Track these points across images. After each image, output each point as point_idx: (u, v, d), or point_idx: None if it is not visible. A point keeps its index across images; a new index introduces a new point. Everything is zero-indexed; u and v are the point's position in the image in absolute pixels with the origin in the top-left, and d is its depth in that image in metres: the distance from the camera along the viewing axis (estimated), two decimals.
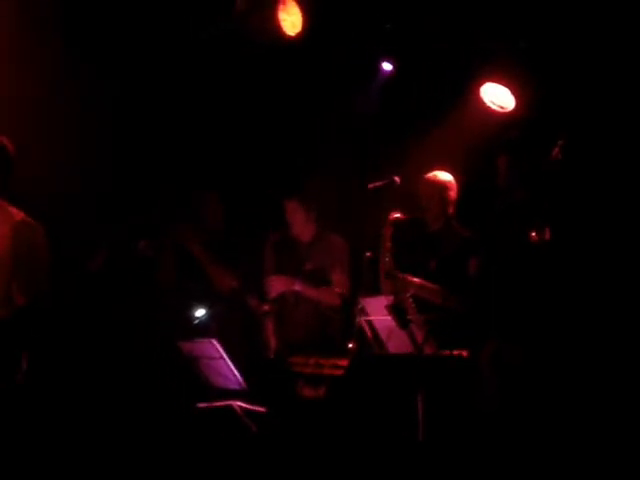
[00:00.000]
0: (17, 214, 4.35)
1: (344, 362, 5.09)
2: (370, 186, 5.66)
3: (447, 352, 5.33)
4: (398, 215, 5.65)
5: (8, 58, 5.91)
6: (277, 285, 6.16)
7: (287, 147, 6.95)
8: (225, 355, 5.64)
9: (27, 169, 4.66)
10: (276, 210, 6.30)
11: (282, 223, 6.30)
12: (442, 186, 5.89)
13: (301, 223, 6.25)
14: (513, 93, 6.21)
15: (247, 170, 6.99)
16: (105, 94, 6.43)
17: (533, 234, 5.12)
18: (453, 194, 5.91)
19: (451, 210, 5.89)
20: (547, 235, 5.10)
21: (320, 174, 6.61)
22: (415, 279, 5.66)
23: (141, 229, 6.49)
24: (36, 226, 4.33)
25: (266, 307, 6.06)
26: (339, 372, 5.11)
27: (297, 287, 6.14)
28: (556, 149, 5.21)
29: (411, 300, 5.26)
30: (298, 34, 6.49)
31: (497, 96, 6.30)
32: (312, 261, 6.23)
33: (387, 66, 6.78)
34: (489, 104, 6.32)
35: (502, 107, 6.29)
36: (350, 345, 5.44)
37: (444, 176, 5.92)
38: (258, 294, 6.27)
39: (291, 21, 6.46)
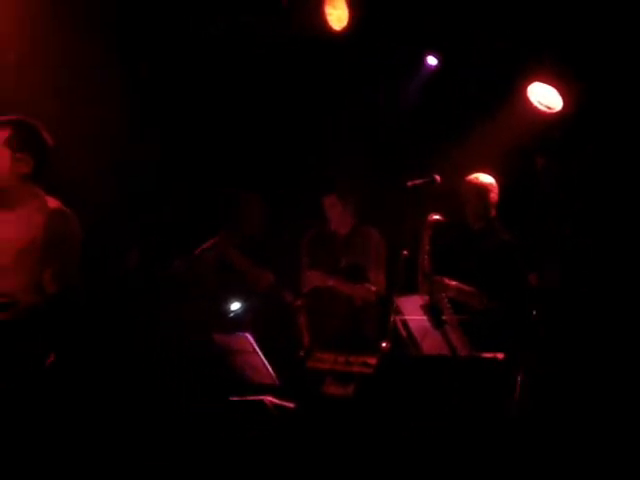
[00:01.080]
0: (52, 202, 4.33)
1: (374, 360, 5.02)
2: (410, 184, 5.60)
3: (482, 354, 5.24)
4: (437, 217, 5.60)
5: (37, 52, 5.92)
6: (312, 280, 6.13)
7: (327, 142, 6.87)
8: (258, 349, 5.62)
9: (63, 161, 4.64)
10: (314, 207, 6.26)
11: (320, 219, 6.26)
12: (483, 188, 5.83)
13: (339, 218, 6.23)
14: (560, 93, 6.11)
15: (283, 169, 6.93)
16: (138, 90, 6.40)
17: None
18: (494, 196, 5.85)
19: (492, 212, 5.83)
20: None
21: (361, 171, 6.55)
22: (452, 282, 5.59)
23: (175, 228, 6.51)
24: (70, 215, 4.30)
25: (299, 302, 6.03)
26: (369, 370, 5.05)
27: (331, 282, 6.09)
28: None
29: (446, 300, 5.21)
30: (344, 28, 6.44)
31: (544, 96, 6.21)
32: (349, 256, 6.19)
33: (432, 60, 6.71)
34: (536, 104, 6.23)
35: (549, 107, 6.20)
36: (383, 344, 5.38)
37: (485, 178, 5.86)
38: (294, 290, 6.24)
39: (337, 15, 6.41)
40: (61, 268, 4.18)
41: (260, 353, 5.62)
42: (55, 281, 4.16)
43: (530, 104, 6.23)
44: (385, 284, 6.06)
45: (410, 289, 5.53)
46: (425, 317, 5.19)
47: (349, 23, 6.43)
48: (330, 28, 6.44)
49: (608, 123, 5.78)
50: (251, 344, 5.64)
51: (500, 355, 5.31)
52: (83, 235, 4.35)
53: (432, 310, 5.16)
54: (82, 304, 4.36)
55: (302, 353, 5.60)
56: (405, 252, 5.50)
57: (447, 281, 5.62)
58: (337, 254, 6.21)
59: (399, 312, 5.35)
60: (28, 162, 4.30)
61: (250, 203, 6.55)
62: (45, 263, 4.18)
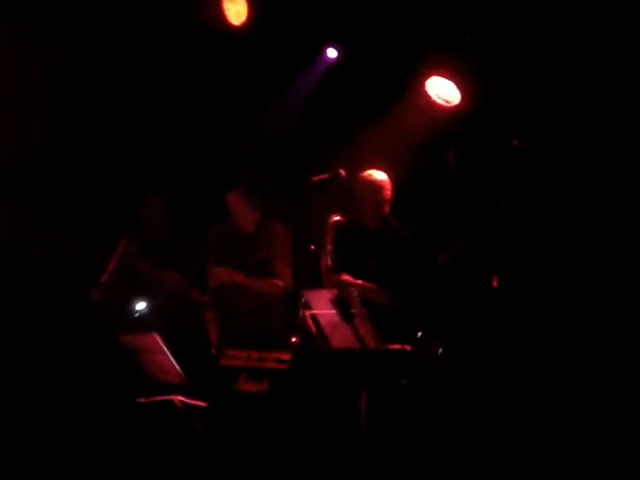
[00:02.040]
0: None
1: (287, 356, 5.02)
2: (315, 178, 5.61)
3: (390, 346, 5.30)
4: (338, 217, 5.60)
5: None
6: (218, 276, 6.09)
7: (228, 140, 6.83)
8: (166, 349, 5.55)
9: None
10: (218, 204, 6.22)
11: (225, 216, 6.22)
12: (377, 185, 5.83)
13: (244, 215, 6.19)
14: (458, 87, 6.20)
15: (187, 166, 6.86)
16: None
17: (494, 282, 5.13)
18: (388, 193, 5.85)
19: (387, 209, 5.84)
20: (494, 283, 5.11)
21: (264, 166, 6.54)
22: (357, 281, 5.62)
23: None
24: None
25: (206, 298, 5.98)
26: (282, 366, 5.05)
27: (238, 278, 6.06)
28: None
29: (355, 294, 5.23)
30: (243, 23, 6.41)
31: (443, 90, 6.28)
32: (255, 251, 6.16)
33: (332, 52, 6.72)
34: (435, 98, 6.30)
35: (447, 101, 6.28)
36: (293, 339, 5.39)
37: (378, 175, 5.85)
38: (201, 287, 6.19)
39: (236, 10, 6.37)
40: None
41: (168, 352, 5.55)
42: None
43: (429, 98, 6.29)
44: (292, 279, 6.06)
45: (318, 283, 5.55)
46: (334, 311, 5.19)
47: (248, 18, 6.40)
48: (229, 23, 6.39)
49: (512, 116, 5.89)
50: (158, 344, 5.56)
51: (408, 347, 5.37)
52: None
53: (341, 303, 5.16)
54: None
55: (214, 351, 5.55)
56: (312, 247, 5.53)
57: (351, 280, 5.64)
58: (243, 250, 6.17)
59: (308, 306, 5.35)
60: None
61: (153, 204, 6.47)
62: None
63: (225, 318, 6.08)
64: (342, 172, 5.63)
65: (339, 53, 6.73)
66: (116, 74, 6.66)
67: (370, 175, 5.87)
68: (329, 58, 6.77)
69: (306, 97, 6.87)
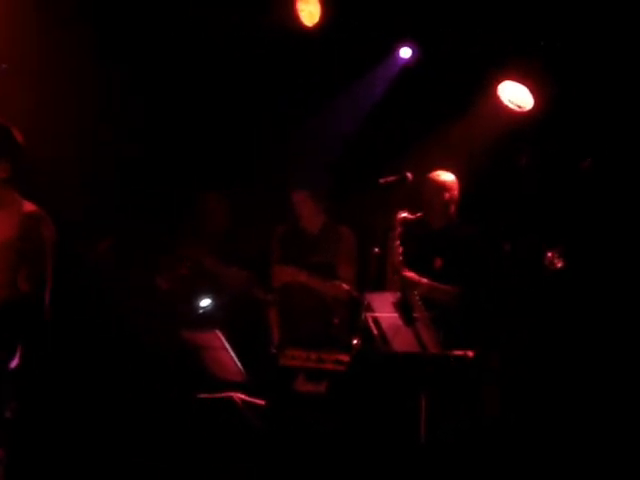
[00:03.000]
0: (27, 206, 4.36)
1: (346, 358, 5.00)
2: (381, 181, 5.60)
3: (453, 352, 5.24)
4: (405, 214, 5.59)
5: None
6: (282, 275, 6.08)
7: (300, 138, 6.84)
8: (228, 346, 5.59)
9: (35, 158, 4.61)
10: (284, 202, 6.22)
11: (290, 215, 6.22)
12: (443, 186, 5.83)
13: (310, 214, 6.17)
14: (532, 92, 6.12)
15: (253, 163, 6.88)
16: (115, 85, 6.35)
17: (549, 254, 5.03)
18: (455, 193, 5.85)
19: (453, 209, 5.83)
20: (560, 264, 5.00)
21: (331, 167, 6.53)
22: (422, 279, 5.59)
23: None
24: (44, 218, 4.34)
25: (270, 297, 5.98)
26: (341, 368, 5.03)
27: (302, 278, 6.05)
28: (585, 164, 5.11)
29: (418, 297, 5.20)
30: (316, 25, 6.42)
31: (515, 95, 6.21)
32: (320, 253, 6.13)
33: (406, 52, 6.68)
34: (507, 103, 6.24)
35: (520, 106, 6.20)
36: (354, 341, 5.37)
37: (446, 176, 5.86)
38: (265, 286, 6.20)
39: (309, 11, 6.38)
40: (33, 269, 4.21)
41: (230, 350, 5.59)
42: (28, 280, 4.20)
43: (501, 102, 6.23)
44: (355, 281, 6.04)
45: (381, 286, 5.52)
46: (396, 314, 5.16)
47: (321, 19, 6.40)
48: (302, 24, 6.41)
49: (581, 122, 5.79)
50: (221, 341, 5.61)
51: (470, 353, 5.31)
52: (56, 236, 4.32)
53: (403, 307, 5.13)
54: (54, 302, 4.31)
55: (274, 350, 5.56)
56: (376, 249, 5.51)
57: (417, 278, 5.62)
58: (307, 251, 6.15)
59: (370, 309, 5.33)
60: (5, 167, 4.32)
61: (211, 201, 6.52)
62: (20, 264, 4.21)
63: (287, 318, 6.07)
64: (409, 175, 5.60)
65: (413, 53, 6.69)
66: (185, 72, 6.69)
67: (438, 175, 5.87)
68: (402, 58, 6.74)
69: (377, 98, 6.83)
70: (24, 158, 4.40)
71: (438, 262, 5.72)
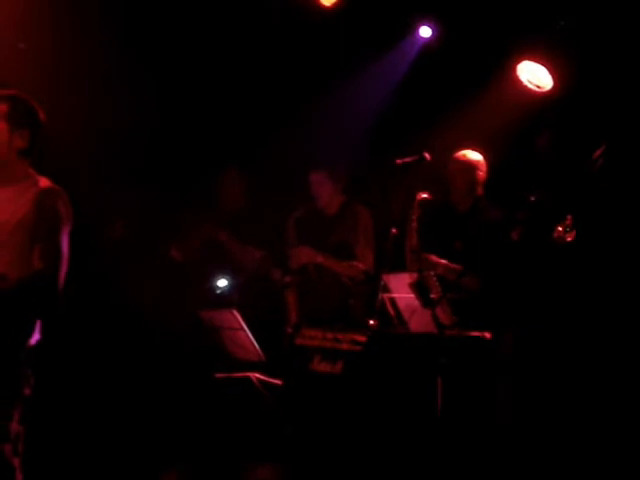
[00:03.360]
0: (43, 181, 4.33)
1: (363, 338, 5.00)
2: (398, 161, 5.56)
3: (470, 333, 5.23)
4: (425, 195, 5.55)
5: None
6: (300, 257, 6.07)
7: (313, 119, 6.81)
8: (245, 326, 5.61)
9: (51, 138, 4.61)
10: (302, 182, 6.21)
11: (307, 196, 6.21)
12: (471, 166, 5.80)
13: (328, 195, 6.14)
14: (551, 72, 6.07)
15: (271, 143, 6.86)
16: (126, 67, 6.34)
17: (559, 228, 4.98)
18: (482, 174, 5.82)
19: (480, 190, 5.80)
20: (570, 237, 4.96)
21: (349, 147, 6.50)
22: (441, 260, 5.58)
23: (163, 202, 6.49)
24: (60, 194, 4.30)
25: (287, 279, 5.99)
26: (357, 348, 5.03)
27: (319, 259, 6.05)
28: (598, 152, 5.06)
29: (435, 278, 5.19)
30: (334, 3, 6.39)
31: (534, 75, 6.16)
32: (337, 233, 6.12)
33: (425, 31, 6.63)
34: (526, 83, 6.19)
35: (539, 86, 6.16)
36: (371, 322, 5.37)
37: (473, 155, 5.83)
38: (282, 267, 6.21)
39: None
40: (48, 245, 4.18)
41: (247, 330, 5.61)
42: (42, 258, 4.16)
43: (520, 83, 6.18)
44: (373, 262, 6.03)
45: (399, 267, 5.51)
46: (413, 295, 5.16)
47: None
48: (320, 3, 6.38)
49: (605, 103, 5.74)
50: (238, 321, 5.63)
51: (487, 334, 5.30)
52: (73, 214, 4.31)
53: (420, 288, 5.12)
54: (70, 280, 4.30)
55: (290, 330, 5.57)
56: (394, 230, 5.49)
57: (435, 259, 5.61)
58: (325, 232, 6.14)
59: (387, 290, 5.34)
60: (25, 137, 4.31)
61: (227, 175, 6.52)
62: (34, 240, 4.18)
63: (305, 298, 6.07)
64: (427, 155, 5.56)
65: (433, 32, 6.63)
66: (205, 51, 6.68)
67: (465, 155, 5.84)
68: (422, 37, 6.68)
69: (397, 78, 6.79)
70: (43, 133, 4.38)
71: (459, 244, 5.69)
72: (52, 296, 4.18)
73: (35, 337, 4.20)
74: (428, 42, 6.66)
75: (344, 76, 6.76)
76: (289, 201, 6.36)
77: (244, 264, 6.33)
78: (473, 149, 5.87)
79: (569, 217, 4.93)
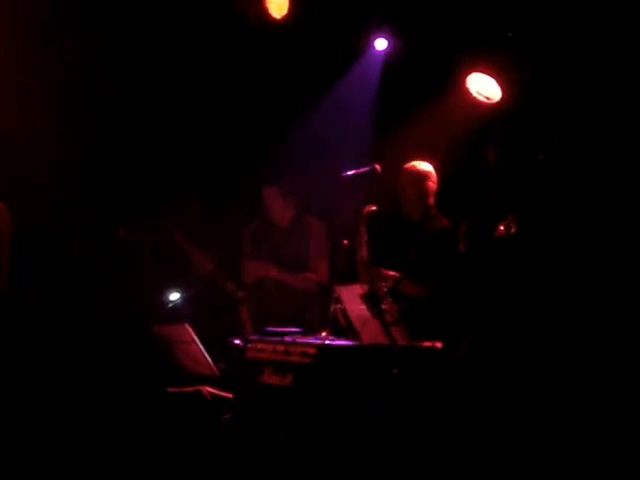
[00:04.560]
0: None
1: (313, 350, 5.00)
2: (348, 173, 5.60)
3: (421, 343, 5.25)
4: (373, 208, 5.58)
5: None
6: (253, 271, 6.10)
7: (264, 133, 6.83)
8: (197, 340, 5.59)
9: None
10: (253, 198, 6.24)
11: (259, 210, 6.23)
12: (421, 176, 5.82)
13: (280, 209, 6.23)
14: (500, 84, 6.12)
15: (223, 160, 6.87)
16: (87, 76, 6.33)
17: (501, 227, 5.05)
18: (432, 184, 5.84)
19: (431, 201, 5.82)
20: (513, 229, 5.02)
21: (299, 161, 6.53)
22: (391, 272, 5.58)
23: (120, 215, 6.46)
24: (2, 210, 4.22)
25: (242, 293, 5.99)
26: (307, 360, 5.03)
27: (273, 273, 6.07)
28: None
29: (386, 289, 5.20)
30: (284, 17, 6.40)
31: (484, 86, 6.21)
32: (290, 246, 6.18)
33: (381, 44, 6.64)
34: (475, 94, 6.23)
35: (488, 98, 6.20)
36: (324, 334, 5.39)
37: (423, 166, 5.85)
38: (235, 280, 6.22)
39: (277, 3, 6.36)
40: None
41: (199, 343, 5.59)
42: None
43: (469, 94, 6.23)
44: (328, 273, 6.06)
45: (352, 279, 5.53)
46: (364, 306, 5.17)
47: (289, 11, 6.39)
48: (270, 16, 6.39)
49: (553, 114, 5.80)
50: (190, 334, 5.60)
51: (438, 344, 5.32)
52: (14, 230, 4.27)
53: (371, 299, 5.14)
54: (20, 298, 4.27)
55: (241, 343, 5.56)
56: (346, 242, 5.52)
57: (385, 272, 5.62)
58: (278, 244, 6.20)
59: (339, 301, 5.34)
60: None
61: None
62: None
63: (259, 312, 6.08)
64: (377, 167, 5.61)
65: (389, 45, 6.62)
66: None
67: (414, 166, 5.86)
68: (378, 50, 6.69)
69: (349, 90, 6.80)
70: None
71: (412, 255, 5.71)
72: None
73: None
74: (385, 52, 6.68)
75: (294, 91, 6.78)
76: (241, 216, 6.38)
77: (199, 268, 6.33)
78: (424, 160, 5.90)
79: (511, 216, 4.99)
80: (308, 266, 6.13)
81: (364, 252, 5.54)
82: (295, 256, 6.17)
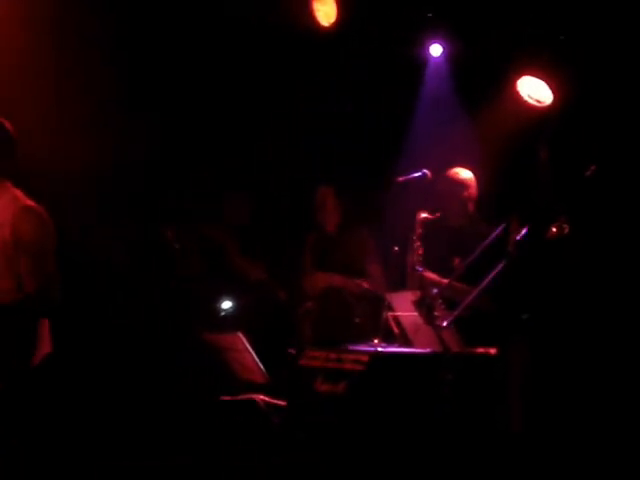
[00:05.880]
0: (22, 199, 4.23)
1: (366, 358, 4.97)
2: (400, 179, 5.59)
3: (475, 350, 5.20)
4: (426, 215, 5.57)
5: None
6: (318, 283, 6.14)
7: (318, 139, 6.82)
8: (250, 348, 5.60)
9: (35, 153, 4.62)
10: (305, 206, 6.27)
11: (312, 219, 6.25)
12: (461, 184, 5.78)
13: (329, 210, 6.24)
14: (551, 87, 6.07)
15: (277, 165, 6.89)
16: (118, 76, 6.34)
17: (553, 229, 4.99)
18: (473, 191, 5.80)
19: (471, 207, 5.78)
20: (566, 230, 4.96)
21: (350, 165, 6.54)
22: (443, 280, 5.53)
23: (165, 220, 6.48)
24: (39, 212, 4.20)
25: (309, 304, 6.03)
26: (360, 368, 5.01)
27: (338, 282, 6.11)
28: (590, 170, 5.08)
29: (438, 296, 5.16)
30: (332, 24, 6.40)
31: (534, 90, 6.16)
32: (340, 253, 6.18)
33: (436, 50, 6.62)
34: (526, 98, 6.19)
35: (539, 101, 6.15)
36: (376, 341, 5.36)
37: (463, 173, 5.81)
38: (288, 288, 6.24)
39: (325, 11, 6.37)
40: (35, 267, 4.11)
41: (252, 351, 5.60)
42: (31, 280, 4.10)
43: (520, 98, 6.18)
44: (384, 279, 6.05)
45: (402, 286, 5.51)
46: (417, 313, 5.14)
47: (337, 19, 6.39)
48: (318, 24, 6.40)
49: (601, 117, 5.73)
50: (243, 342, 5.61)
51: (492, 350, 5.27)
52: (56, 230, 4.28)
53: (423, 306, 5.11)
54: (60, 301, 4.26)
55: (294, 351, 5.56)
56: (396, 248, 5.50)
57: (438, 279, 5.57)
58: (328, 252, 6.20)
59: (391, 308, 5.32)
60: None
61: (236, 200, 6.57)
62: (19, 262, 4.12)
63: (324, 324, 6.10)
64: (428, 173, 5.59)
65: (444, 49, 6.58)
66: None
67: (455, 173, 5.82)
68: (433, 56, 6.66)
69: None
70: (16, 149, 4.29)
71: (457, 261, 5.66)
72: (46, 316, 4.16)
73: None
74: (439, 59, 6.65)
75: (343, 97, 6.78)
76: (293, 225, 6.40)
77: (246, 276, 6.36)
78: (467, 166, 5.84)
79: (562, 217, 4.94)
80: (365, 272, 6.14)
81: (416, 258, 5.51)
82: (346, 263, 6.16)
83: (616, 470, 5.05)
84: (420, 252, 5.54)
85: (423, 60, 6.73)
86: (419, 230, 5.56)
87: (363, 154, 6.76)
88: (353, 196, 6.29)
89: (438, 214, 5.64)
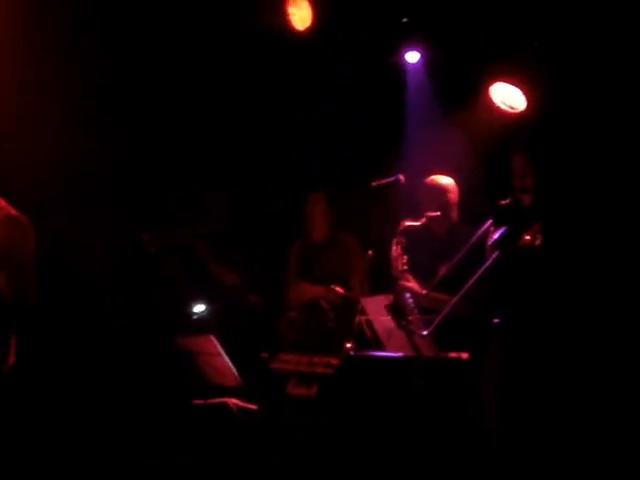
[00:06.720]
0: (6, 208, 4.21)
1: (336, 361, 4.99)
2: (373, 184, 5.59)
3: (447, 354, 5.21)
4: (409, 223, 5.56)
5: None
6: (301, 294, 6.15)
7: (298, 145, 6.83)
8: (223, 351, 5.59)
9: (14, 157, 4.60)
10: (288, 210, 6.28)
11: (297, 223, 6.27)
12: (442, 190, 5.78)
13: (319, 217, 6.24)
14: (524, 93, 6.09)
15: (261, 169, 6.88)
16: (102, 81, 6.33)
17: (527, 237, 5.01)
18: (454, 197, 5.80)
19: (454, 213, 5.78)
20: (538, 241, 4.98)
21: (332, 173, 6.55)
22: (423, 291, 5.52)
23: (142, 223, 6.47)
24: (22, 222, 4.18)
25: (292, 314, 6.03)
26: (331, 371, 5.01)
27: (320, 292, 6.12)
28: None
29: (411, 300, 5.17)
30: (307, 29, 6.41)
31: (508, 96, 6.18)
32: (326, 262, 6.20)
33: (413, 57, 6.61)
34: (499, 104, 6.20)
35: (513, 107, 6.17)
36: (348, 345, 5.36)
37: (444, 180, 5.81)
38: (266, 293, 6.25)
39: (300, 15, 6.37)
40: (14, 277, 4.09)
41: (224, 355, 5.59)
42: (10, 289, 4.08)
43: (493, 104, 6.20)
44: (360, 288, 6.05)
45: (377, 290, 5.50)
46: (389, 317, 5.14)
47: (312, 23, 6.39)
48: (293, 28, 6.40)
49: (577, 122, 5.76)
50: (215, 346, 5.61)
51: (465, 355, 5.28)
52: (36, 240, 4.26)
53: (396, 310, 5.11)
54: (41, 307, 4.26)
55: (266, 355, 5.56)
56: (370, 252, 5.50)
57: (419, 290, 5.56)
58: (314, 261, 6.22)
59: (364, 312, 5.33)
60: None
61: (215, 201, 6.57)
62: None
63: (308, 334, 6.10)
64: (401, 178, 5.60)
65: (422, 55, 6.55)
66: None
67: (435, 179, 5.82)
68: (410, 62, 6.66)
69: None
70: None
71: (442, 269, 5.66)
72: (25, 326, 4.15)
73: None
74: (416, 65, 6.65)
75: (318, 102, 6.78)
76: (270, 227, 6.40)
77: (220, 280, 6.34)
78: (447, 171, 5.86)
79: (537, 226, 4.96)
80: (348, 284, 6.13)
81: (399, 267, 5.51)
82: (331, 274, 6.16)
83: (595, 469, 5.06)
84: (404, 261, 5.54)
85: (402, 66, 6.73)
86: (403, 239, 5.55)
87: (349, 158, 6.74)
88: (339, 202, 6.29)
89: (422, 221, 5.63)
